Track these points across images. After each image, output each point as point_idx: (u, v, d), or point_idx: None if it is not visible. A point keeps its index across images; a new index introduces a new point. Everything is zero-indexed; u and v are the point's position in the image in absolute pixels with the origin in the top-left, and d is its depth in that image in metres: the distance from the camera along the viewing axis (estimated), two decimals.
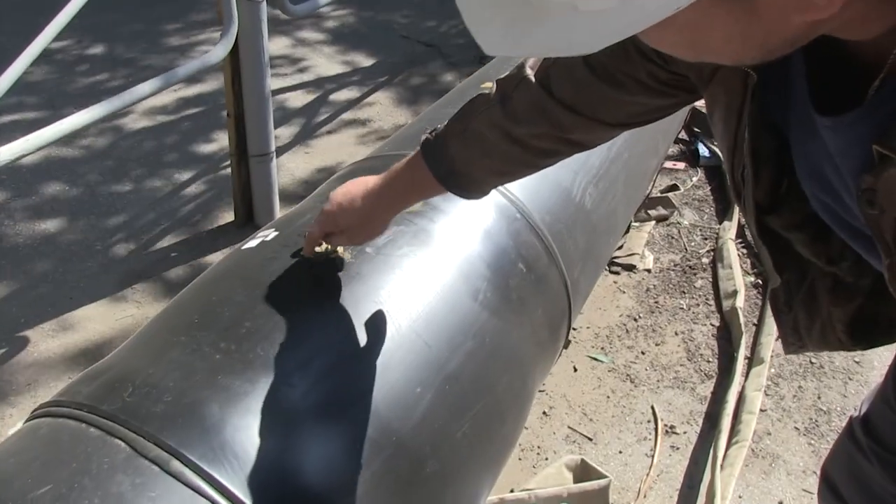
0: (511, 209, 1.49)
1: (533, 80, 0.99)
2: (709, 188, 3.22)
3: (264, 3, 2.28)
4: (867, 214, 0.63)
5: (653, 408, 2.15)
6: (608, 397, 2.17)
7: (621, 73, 0.90)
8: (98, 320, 2.38)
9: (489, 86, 2.00)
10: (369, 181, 1.16)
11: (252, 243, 1.36)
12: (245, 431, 1.04)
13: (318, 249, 1.25)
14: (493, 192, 1.50)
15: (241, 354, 1.11)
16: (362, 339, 1.17)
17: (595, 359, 2.30)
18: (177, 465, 0.97)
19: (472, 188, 1.12)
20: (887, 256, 0.65)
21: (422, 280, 1.28)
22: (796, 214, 0.82)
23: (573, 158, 1.12)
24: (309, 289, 1.22)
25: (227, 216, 2.84)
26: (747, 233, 2.90)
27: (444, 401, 1.19)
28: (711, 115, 0.84)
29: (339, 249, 1.27)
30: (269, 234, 1.37)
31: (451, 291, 1.29)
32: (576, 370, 2.25)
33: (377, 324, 1.19)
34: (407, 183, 1.14)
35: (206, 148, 3.32)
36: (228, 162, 2.73)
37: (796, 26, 0.53)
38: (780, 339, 1.01)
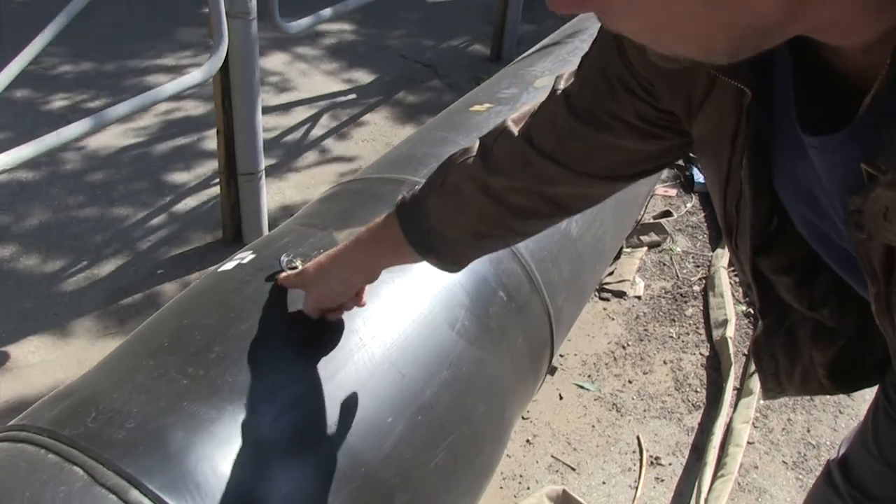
0: None
1: (515, 133, 0.94)
2: (703, 214, 3.21)
3: (255, 20, 2.27)
4: (856, 238, 0.61)
5: (638, 438, 2.12)
6: (593, 426, 2.15)
7: (607, 114, 0.85)
8: (82, 337, 2.35)
9: (478, 108, 1.99)
10: (338, 251, 1.13)
11: (228, 266, 1.34)
12: (209, 460, 1.01)
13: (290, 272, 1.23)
14: None
15: (209, 380, 1.09)
16: (334, 367, 1.14)
17: (581, 387, 2.27)
18: (135, 494, 0.94)
19: (446, 251, 1.03)
20: (874, 285, 0.63)
21: (398, 308, 1.26)
22: (786, 258, 0.79)
23: None
24: (282, 314, 1.20)
25: (216, 234, 2.82)
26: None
27: (416, 431, 1.17)
28: (701, 145, 0.80)
29: None
30: (246, 256, 1.35)
31: (427, 319, 1.27)
32: (561, 398, 2.22)
33: (350, 352, 1.16)
34: (376, 245, 1.08)
35: (196, 165, 3.30)
36: (217, 180, 2.72)
37: (762, 7, 0.51)
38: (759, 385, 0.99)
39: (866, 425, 1.03)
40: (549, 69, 2.23)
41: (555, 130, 0.90)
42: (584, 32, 2.60)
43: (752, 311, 2.60)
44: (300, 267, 1.27)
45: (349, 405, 1.12)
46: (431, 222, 1.00)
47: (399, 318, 1.25)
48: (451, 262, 1.05)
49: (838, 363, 0.88)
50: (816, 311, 0.84)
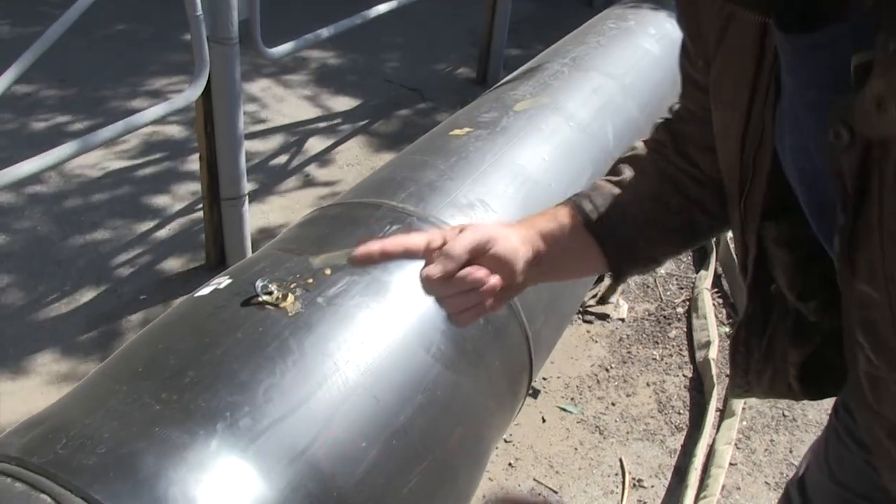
0: None
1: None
2: None
3: (237, 45, 2.29)
4: (832, 150, 0.60)
5: (621, 460, 2.12)
6: (576, 449, 2.14)
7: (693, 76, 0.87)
8: (62, 363, 2.34)
9: (458, 132, 2.00)
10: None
11: (205, 291, 1.34)
12: (181, 485, 1.01)
13: (266, 298, 1.23)
14: None
15: (182, 405, 1.09)
16: (308, 392, 1.14)
17: (564, 409, 2.27)
18: None
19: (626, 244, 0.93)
20: (843, 211, 0.61)
21: (373, 332, 1.26)
22: (791, 230, 0.77)
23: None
24: (256, 338, 1.20)
25: (199, 259, 2.82)
26: (723, 281, 2.89)
27: (390, 455, 1.17)
28: (718, 91, 0.78)
29: (289, 299, 1.25)
30: (223, 281, 1.35)
31: (403, 344, 1.27)
32: (544, 421, 2.22)
33: (325, 376, 1.16)
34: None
35: (179, 189, 3.30)
36: (201, 204, 2.72)
37: None
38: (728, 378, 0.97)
39: (819, 445, 1.03)
40: (530, 92, 2.25)
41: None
42: (565, 56, 2.62)
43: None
44: (275, 292, 1.27)
45: (323, 429, 1.11)
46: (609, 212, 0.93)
47: (374, 343, 1.25)
48: (634, 261, 0.96)
49: (811, 365, 0.87)
50: (804, 303, 0.82)
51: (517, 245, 0.84)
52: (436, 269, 0.78)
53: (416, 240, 0.81)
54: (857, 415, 0.86)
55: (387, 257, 0.81)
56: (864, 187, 0.59)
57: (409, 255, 0.81)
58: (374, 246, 0.81)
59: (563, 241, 0.89)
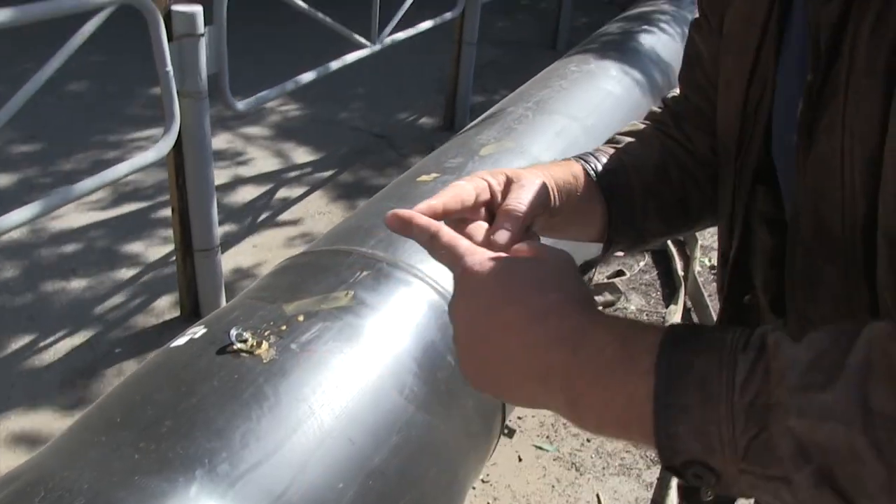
0: (441, 303, 1.51)
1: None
2: (655, 273, 3.28)
3: (206, 99, 2.33)
4: (810, 10, 0.62)
5: (598, 496, 2.14)
6: (553, 486, 2.16)
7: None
8: (36, 419, 2.33)
9: (426, 178, 2.05)
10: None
11: (180, 341, 1.37)
12: None
13: (241, 346, 1.26)
14: (424, 287, 1.53)
15: (160, 454, 1.10)
16: (284, 436, 1.16)
17: (540, 448, 2.30)
18: None
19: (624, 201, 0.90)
20: (812, 70, 0.63)
21: (347, 375, 1.29)
22: (777, 202, 0.77)
23: None
24: (232, 386, 1.22)
25: (174, 311, 2.83)
26: (693, 315, 2.95)
27: (367, 496, 1.19)
28: (728, 41, 0.80)
29: (264, 346, 1.27)
30: (198, 331, 1.38)
31: (376, 386, 1.30)
32: (521, 460, 2.24)
33: (300, 420, 1.19)
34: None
35: (151, 240, 3.32)
36: (174, 256, 2.74)
37: None
38: None
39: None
40: (495, 137, 2.31)
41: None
42: (529, 100, 2.69)
43: None
44: (250, 339, 1.30)
45: (299, 473, 1.14)
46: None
47: (348, 387, 1.28)
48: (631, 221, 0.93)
49: None
50: (778, 317, 0.80)
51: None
52: (504, 237, 0.70)
53: (468, 192, 0.74)
54: None
55: (447, 214, 0.72)
56: (838, 43, 0.61)
57: (465, 210, 0.74)
58: (432, 204, 0.72)
59: (574, 193, 0.84)
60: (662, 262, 3.34)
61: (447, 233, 0.67)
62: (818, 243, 0.67)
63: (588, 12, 7.51)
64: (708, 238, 3.43)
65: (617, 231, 0.89)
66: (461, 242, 0.65)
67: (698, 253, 3.31)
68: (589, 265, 0.97)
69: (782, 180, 0.76)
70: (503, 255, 0.64)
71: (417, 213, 0.69)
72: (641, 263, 3.32)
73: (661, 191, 0.91)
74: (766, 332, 0.52)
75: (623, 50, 3.52)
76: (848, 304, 0.66)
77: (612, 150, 0.92)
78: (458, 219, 0.73)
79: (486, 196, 0.74)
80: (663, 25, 4.01)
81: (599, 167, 0.88)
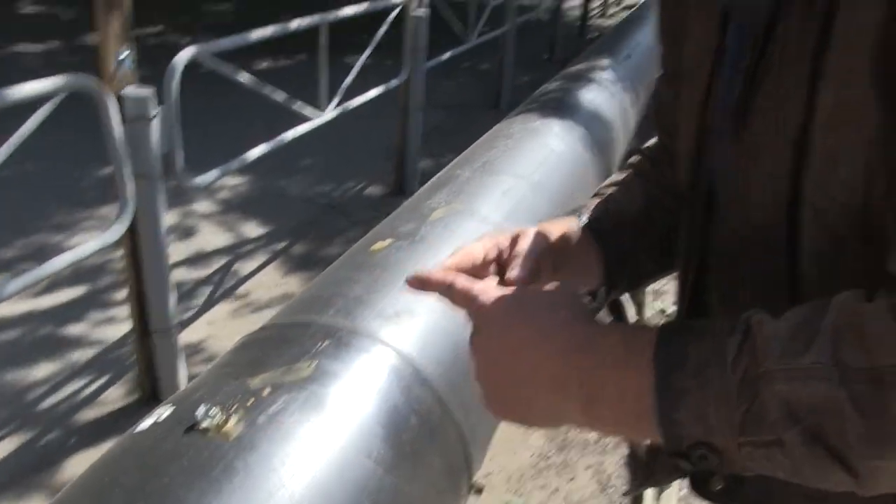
0: (403, 366, 1.54)
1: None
2: (608, 321, 3.34)
3: (160, 180, 2.36)
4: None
5: None
6: None
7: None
8: None
9: (381, 245, 2.10)
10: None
11: (145, 424, 1.37)
12: None
13: (208, 423, 1.27)
14: (387, 351, 1.57)
15: None
16: None
17: (510, 503, 2.31)
18: None
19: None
20: (750, 49, 0.68)
21: (315, 444, 1.31)
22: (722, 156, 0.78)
23: None
24: (202, 463, 1.24)
25: (132, 395, 2.80)
26: None
27: None
28: (685, 76, 0.84)
29: (232, 421, 1.29)
30: (164, 412, 1.39)
31: (344, 453, 1.32)
32: None
33: (270, 493, 1.20)
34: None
35: (106, 322, 3.30)
36: (129, 339, 2.72)
37: None
38: None
39: None
40: (445, 200, 2.37)
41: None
42: (476, 161, 2.77)
43: None
44: (217, 416, 1.31)
45: None
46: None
47: (316, 455, 1.30)
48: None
49: None
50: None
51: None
52: (516, 274, 0.78)
53: (476, 251, 0.81)
54: None
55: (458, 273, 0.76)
56: (775, 22, 0.65)
57: (475, 269, 0.80)
58: (445, 265, 0.78)
59: (573, 243, 0.91)
60: (615, 310, 3.40)
61: (462, 279, 0.73)
62: (744, 225, 0.73)
63: (529, 70, 7.72)
64: (659, 282, 3.51)
65: (612, 275, 0.94)
66: (475, 284, 0.71)
67: (650, 298, 3.39)
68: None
69: (719, 179, 0.80)
70: (513, 288, 0.71)
71: (435, 271, 0.76)
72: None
73: (647, 233, 0.97)
74: (750, 315, 0.57)
75: (564, 108, 3.63)
76: (772, 286, 0.71)
77: (598, 201, 0.98)
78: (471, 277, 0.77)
79: (493, 254, 0.81)
80: (602, 81, 4.15)
81: (587, 218, 0.95)
